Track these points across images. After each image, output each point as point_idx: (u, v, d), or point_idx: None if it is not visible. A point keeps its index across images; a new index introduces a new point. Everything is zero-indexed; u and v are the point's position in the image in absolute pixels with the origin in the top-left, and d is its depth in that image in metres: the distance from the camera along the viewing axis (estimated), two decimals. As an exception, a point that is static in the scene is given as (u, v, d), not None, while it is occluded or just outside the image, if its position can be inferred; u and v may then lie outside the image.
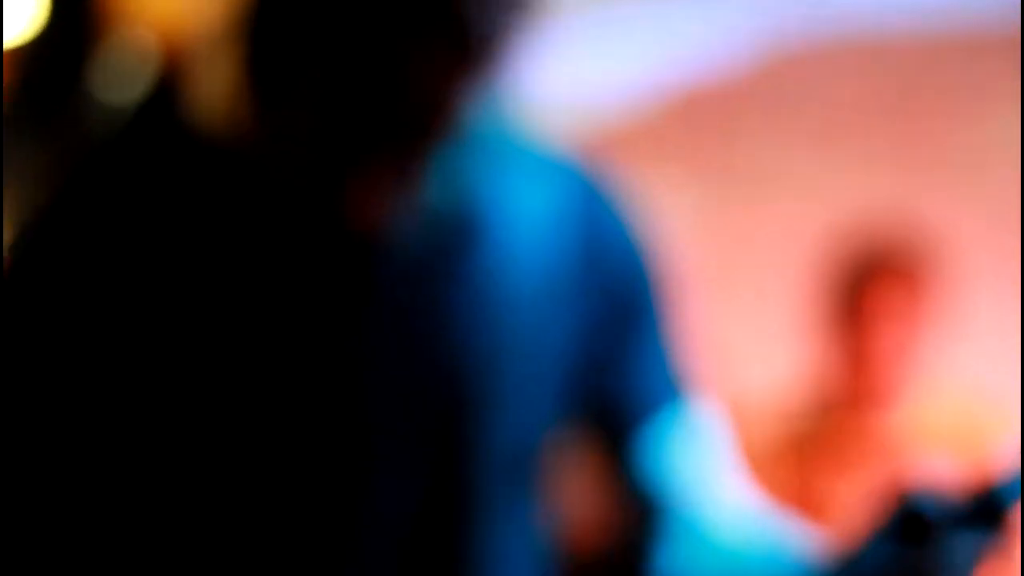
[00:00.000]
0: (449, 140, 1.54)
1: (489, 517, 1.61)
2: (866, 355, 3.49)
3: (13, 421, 1.55)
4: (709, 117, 4.10)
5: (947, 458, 3.41)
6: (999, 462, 1.53)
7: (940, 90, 4.08)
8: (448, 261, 1.59)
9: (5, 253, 1.56)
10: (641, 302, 1.69)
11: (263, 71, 1.54)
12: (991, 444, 3.50)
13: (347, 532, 1.58)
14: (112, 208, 1.57)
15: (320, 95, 1.52)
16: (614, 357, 1.67)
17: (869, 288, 3.47)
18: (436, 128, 1.53)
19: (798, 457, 3.54)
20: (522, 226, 1.61)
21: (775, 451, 3.55)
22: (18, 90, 1.56)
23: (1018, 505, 1.45)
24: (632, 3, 4.01)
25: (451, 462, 1.60)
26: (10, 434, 1.55)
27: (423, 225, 1.57)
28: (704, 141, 4.08)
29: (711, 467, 1.73)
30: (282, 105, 1.54)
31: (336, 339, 1.57)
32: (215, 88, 1.55)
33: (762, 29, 4.07)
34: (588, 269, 1.65)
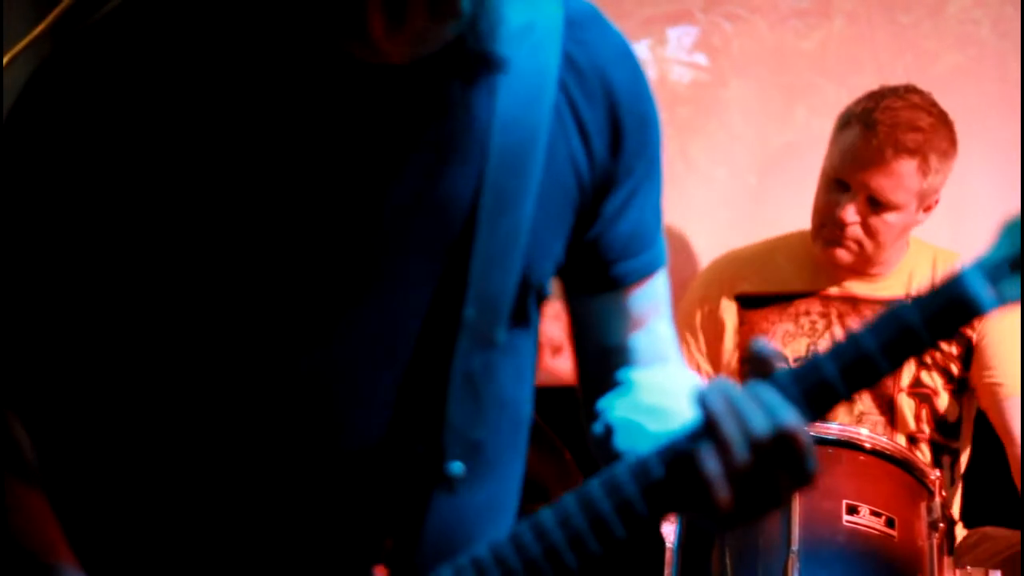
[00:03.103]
0: None
1: (485, 345, 1.65)
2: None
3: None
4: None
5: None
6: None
7: None
8: (467, 91, 1.63)
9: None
10: (648, 145, 1.74)
11: None
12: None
13: (352, 337, 1.64)
14: (137, 33, 1.60)
15: None
16: (617, 194, 1.72)
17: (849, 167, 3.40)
18: None
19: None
20: (536, 60, 1.65)
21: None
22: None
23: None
24: None
25: (455, 284, 1.64)
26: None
27: (447, 56, 1.61)
28: None
29: (666, 329, 1.83)
30: None
31: (356, 161, 1.61)
32: None
33: None
34: (596, 109, 1.69)
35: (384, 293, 1.64)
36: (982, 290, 1.50)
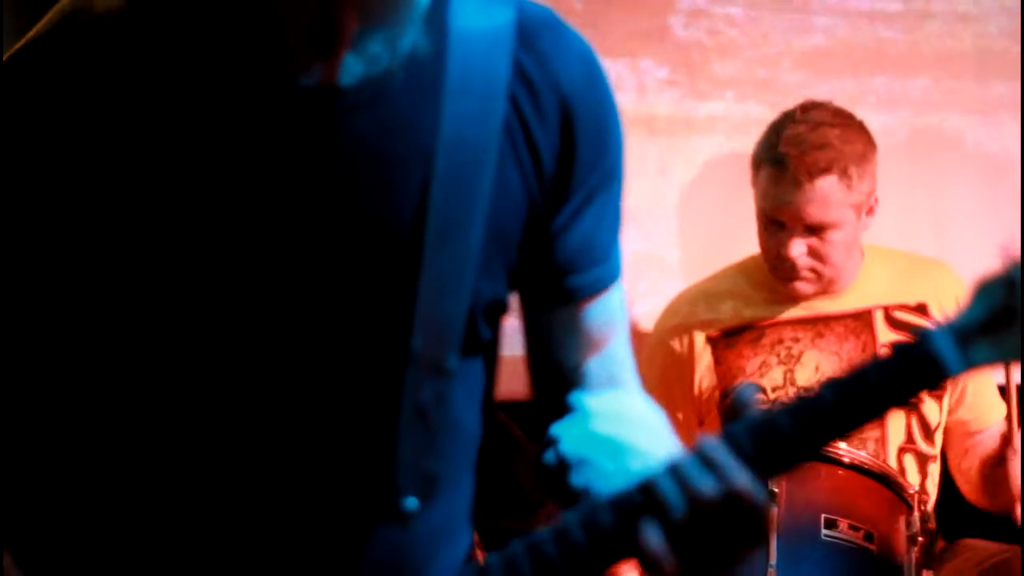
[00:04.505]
0: None
1: (435, 375, 1.60)
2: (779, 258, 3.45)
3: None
4: None
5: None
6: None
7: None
8: (410, 112, 1.57)
9: None
10: (604, 157, 1.67)
11: None
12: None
13: (294, 372, 1.58)
14: (71, 61, 1.55)
15: None
16: (572, 207, 1.66)
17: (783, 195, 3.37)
18: None
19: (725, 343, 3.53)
20: (485, 75, 1.59)
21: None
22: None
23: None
24: None
25: (401, 313, 1.58)
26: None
27: (380, 72, 1.56)
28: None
29: (622, 350, 1.76)
30: None
31: (288, 188, 1.55)
32: None
33: None
34: (548, 124, 1.62)
35: (327, 324, 1.58)
36: (950, 353, 1.47)
